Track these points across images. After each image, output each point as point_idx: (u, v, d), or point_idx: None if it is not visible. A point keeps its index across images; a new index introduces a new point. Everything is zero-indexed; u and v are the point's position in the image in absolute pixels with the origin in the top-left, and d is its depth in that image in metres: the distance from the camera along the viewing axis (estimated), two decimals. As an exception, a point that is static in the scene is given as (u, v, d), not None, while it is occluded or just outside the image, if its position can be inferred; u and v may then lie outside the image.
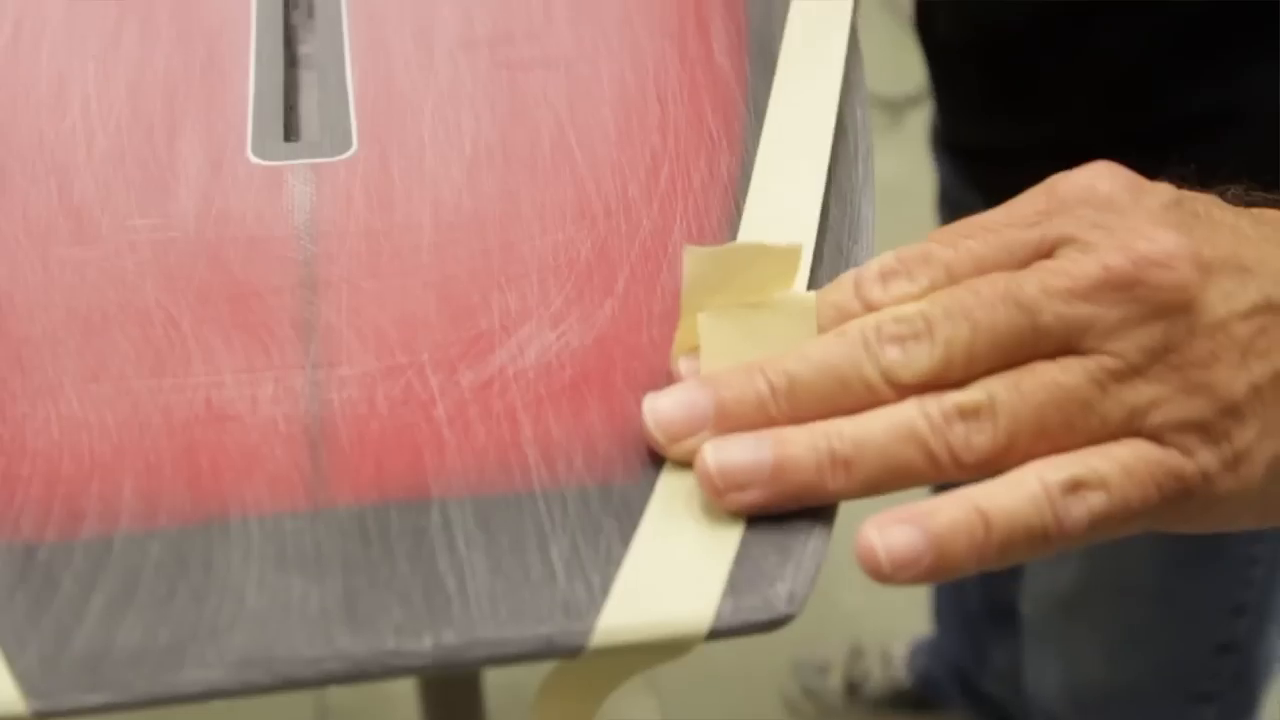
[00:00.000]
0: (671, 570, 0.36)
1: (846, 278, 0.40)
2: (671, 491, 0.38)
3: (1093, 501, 0.36)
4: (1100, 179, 0.39)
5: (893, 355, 0.37)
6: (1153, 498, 0.37)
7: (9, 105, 0.50)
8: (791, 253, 0.39)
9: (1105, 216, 0.38)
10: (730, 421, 0.37)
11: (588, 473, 0.38)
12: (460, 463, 0.38)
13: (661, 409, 0.38)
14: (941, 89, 0.85)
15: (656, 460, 0.39)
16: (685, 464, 0.38)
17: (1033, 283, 0.37)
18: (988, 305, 0.37)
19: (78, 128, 0.49)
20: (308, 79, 0.55)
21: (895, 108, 2.14)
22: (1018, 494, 0.36)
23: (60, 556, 0.36)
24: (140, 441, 0.39)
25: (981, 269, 0.38)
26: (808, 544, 0.37)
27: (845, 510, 0.39)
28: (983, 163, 0.67)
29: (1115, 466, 0.36)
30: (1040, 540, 0.36)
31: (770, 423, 0.37)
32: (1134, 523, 0.37)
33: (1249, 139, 0.41)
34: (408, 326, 0.42)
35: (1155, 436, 0.37)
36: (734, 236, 0.46)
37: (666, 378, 0.41)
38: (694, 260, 0.38)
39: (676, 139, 0.49)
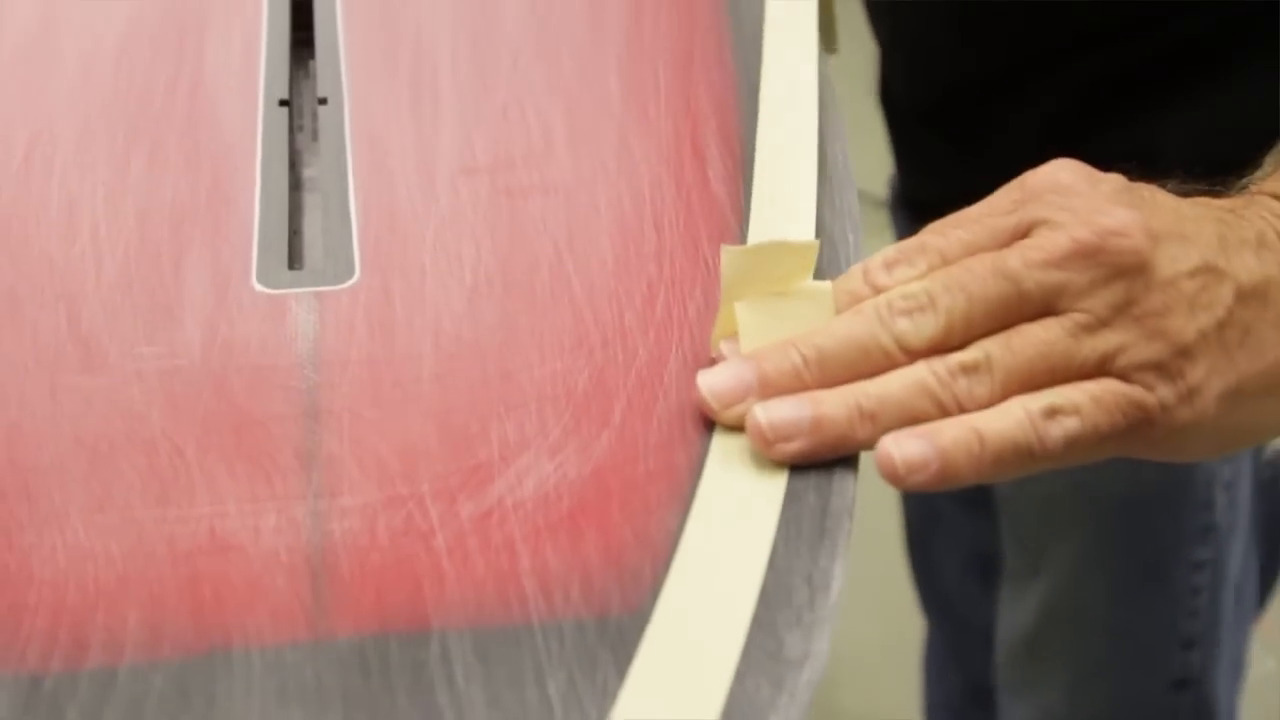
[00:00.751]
0: (666, 703, 0.37)
1: (855, 269, 0.47)
2: (668, 617, 0.39)
3: (1068, 425, 0.44)
4: (1062, 171, 0.47)
5: (903, 326, 0.44)
6: (1119, 424, 0.44)
7: (20, 229, 0.52)
8: (809, 247, 0.46)
9: (1069, 200, 0.45)
10: (771, 389, 0.44)
11: (584, 605, 0.39)
12: (460, 594, 0.39)
13: (714, 382, 0.44)
14: (900, 151, 0.92)
15: (653, 590, 0.40)
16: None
17: (1015, 258, 0.45)
18: (979, 279, 0.44)
19: (87, 253, 0.50)
20: (311, 202, 0.57)
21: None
22: (1007, 419, 0.43)
23: (65, 688, 0.36)
24: (145, 572, 0.39)
25: (970, 251, 0.46)
26: (800, 675, 0.38)
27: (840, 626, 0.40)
28: (939, 216, 0.73)
29: (1086, 398, 0.44)
30: (1026, 456, 0.43)
31: (804, 388, 0.44)
32: (1105, 445, 0.45)
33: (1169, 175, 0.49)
34: (409, 456, 0.43)
35: (1122, 375, 0.44)
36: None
37: (664, 505, 0.42)
38: (729, 258, 0.45)
39: (672, 267, 0.50)
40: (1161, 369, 0.45)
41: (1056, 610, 0.98)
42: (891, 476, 0.43)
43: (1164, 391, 0.45)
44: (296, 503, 0.41)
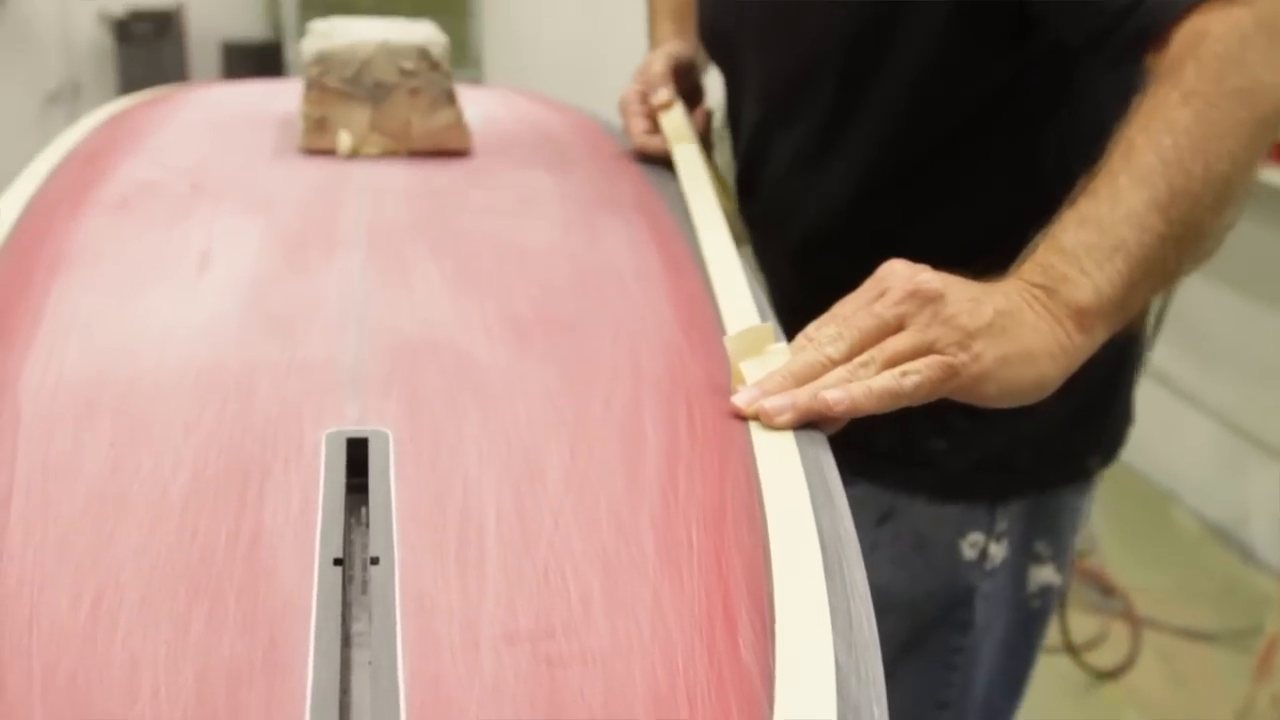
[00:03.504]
0: None
1: (800, 338, 0.84)
2: None
3: (915, 378, 0.80)
4: (895, 264, 0.84)
5: (829, 350, 0.82)
6: (940, 375, 0.80)
7: (84, 687, 0.54)
8: (769, 327, 0.84)
9: (899, 274, 0.83)
10: (770, 393, 0.79)
11: None
12: None
13: (739, 398, 0.79)
14: (774, 296, 1.24)
15: None
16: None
17: (878, 306, 0.82)
18: (862, 320, 0.82)
19: (146, 715, 0.52)
20: (360, 658, 0.59)
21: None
22: (884, 378, 0.80)
23: None
24: None
25: (856, 309, 0.83)
26: None
27: None
28: None
29: (922, 363, 0.80)
30: (895, 395, 0.80)
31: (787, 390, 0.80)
32: (937, 389, 0.81)
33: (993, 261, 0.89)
34: None
35: (940, 351, 0.81)
36: None
37: None
38: (730, 340, 0.82)
39: (704, 739, 0.52)
40: (959, 345, 0.81)
41: None
42: (825, 409, 0.78)
43: (962, 357, 0.81)
44: None
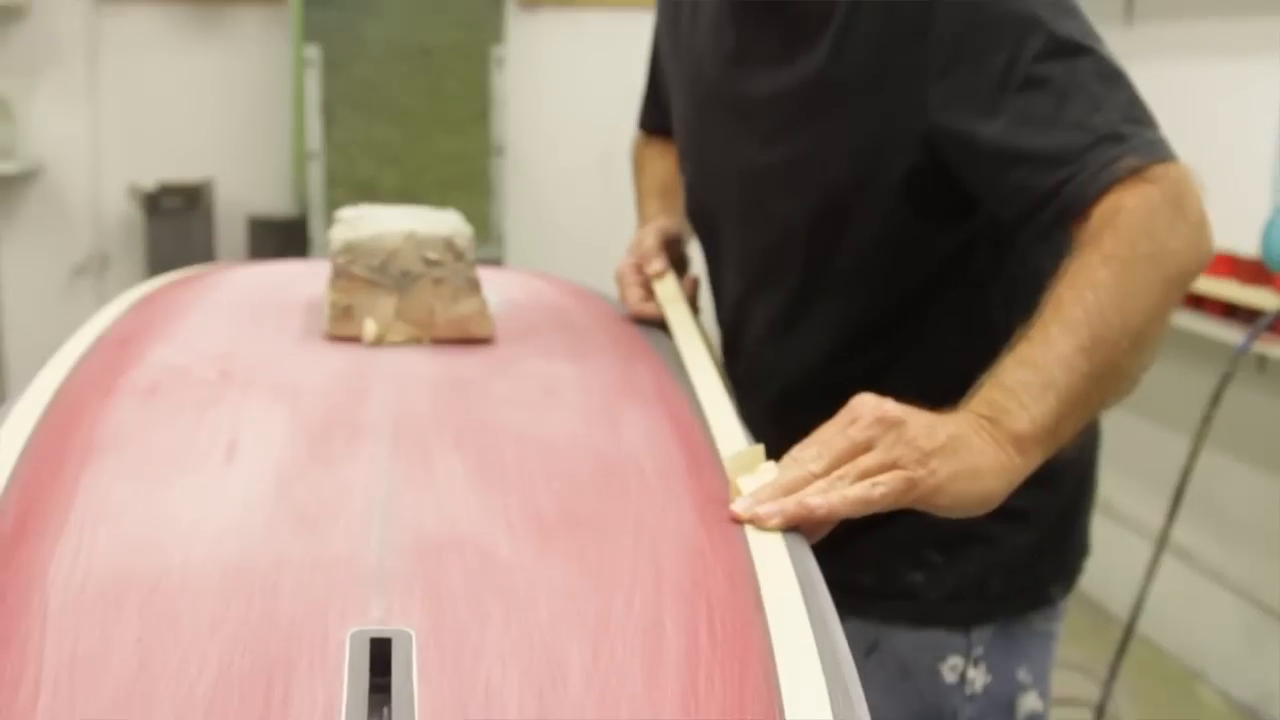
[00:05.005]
0: None
1: (786, 458, 0.97)
2: None
3: (881, 488, 0.93)
4: (865, 396, 0.98)
5: (811, 466, 0.94)
6: (902, 486, 0.94)
7: None
8: (759, 449, 0.98)
9: (869, 401, 0.97)
10: (762, 501, 0.92)
11: None
12: None
13: (738, 506, 0.92)
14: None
15: None
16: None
17: (853, 430, 0.96)
18: (837, 442, 0.95)
19: None
20: None
21: None
22: (857, 488, 0.93)
23: None
24: None
25: (832, 433, 0.97)
26: None
27: None
28: None
29: (888, 477, 0.94)
30: (866, 503, 0.93)
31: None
32: (902, 499, 0.94)
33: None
34: None
35: (902, 467, 0.94)
36: None
37: None
38: (729, 459, 0.96)
39: None
40: (918, 462, 0.95)
41: None
42: (809, 513, 0.91)
43: (920, 472, 0.95)
44: None
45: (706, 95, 1.39)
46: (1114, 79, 1.13)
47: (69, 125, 4.32)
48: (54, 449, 0.97)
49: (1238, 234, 3.04)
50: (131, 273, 4.32)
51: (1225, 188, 3.23)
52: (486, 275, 1.33)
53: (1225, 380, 2.76)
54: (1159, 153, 1.09)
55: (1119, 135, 1.09)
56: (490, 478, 0.93)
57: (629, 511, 0.90)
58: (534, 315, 1.42)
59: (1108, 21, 3.64)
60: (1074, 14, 1.15)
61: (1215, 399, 2.76)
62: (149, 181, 4.19)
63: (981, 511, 0.98)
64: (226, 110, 4.36)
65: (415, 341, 1.26)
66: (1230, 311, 3.00)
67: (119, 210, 4.36)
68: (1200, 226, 1.08)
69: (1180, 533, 3.02)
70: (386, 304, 1.26)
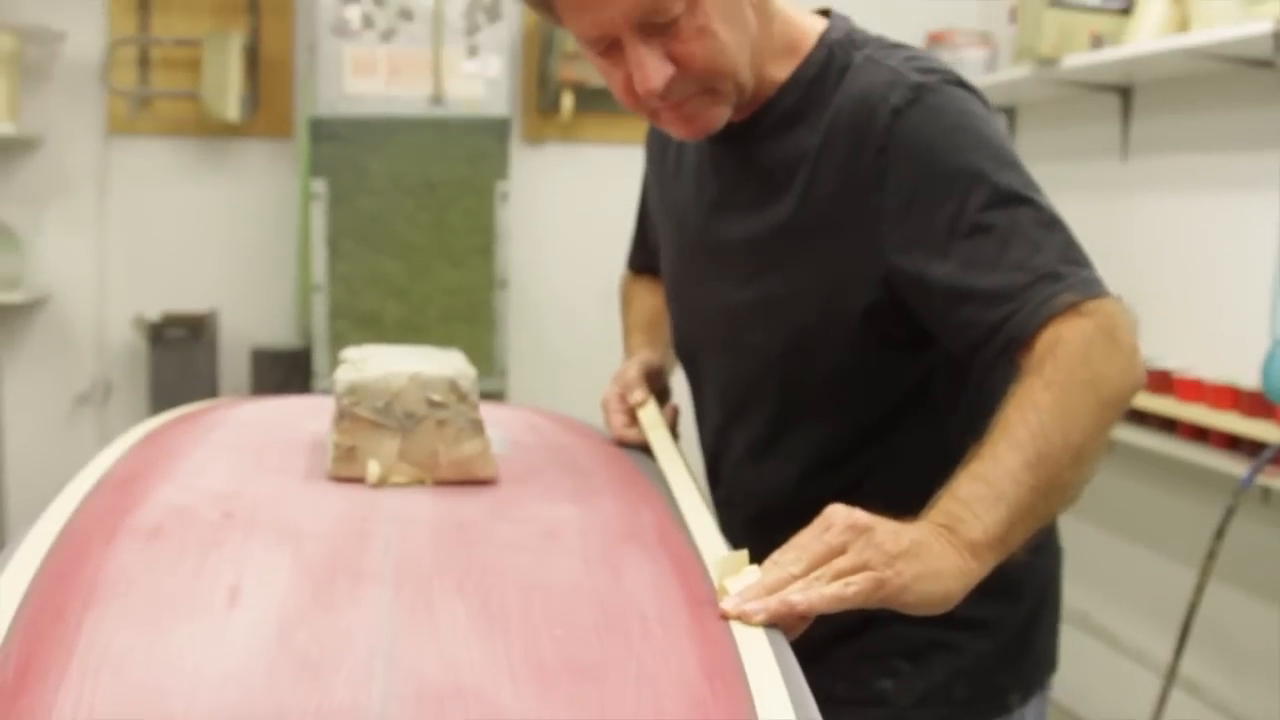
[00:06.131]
0: None
1: (768, 562, 1.05)
2: None
3: (853, 588, 1.02)
4: (837, 507, 1.07)
5: (792, 568, 1.03)
6: (872, 586, 1.02)
7: None
8: (744, 554, 1.07)
9: (841, 511, 1.06)
10: (750, 600, 1.01)
11: None
12: None
13: (726, 604, 1.01)
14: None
15: None
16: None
17: (828, 536, 1.05)
18: (814, 546, 1.04)
19: None
20: None
21: None
22: (832, 587, 1.02)
23: None
24: None
25: (810, 538, 1.06)
26: None
27: None
28: None
29: (859, 577, 1.02)
30: (840, 600, 1.01)
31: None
32: (872, 596, 1.02)
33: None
34: None
35: (872, 569, 1.03)
36: None
37: None
38: (716, 563, 1.06)
39: None
40: (885, 564, 1.04)
41: None
42: (790, 609, 1.00)
43: (887, 573, 1.03)
44: None
45: (689, 239, 1.53)
46: (1051, 225, 1.26)
47: (76, 255, 4.36)
48: (57, 593, 0.97)
49: (1239, 366, 3.07)
50: (134, 402, 4.33)
51: (1224, 320, 3.27)
52: (489, 412, 1.34)
53: (1230, 514, 2.76)
54: (1093, 289, 1.21)
55: (1056, 274, 1.21)
56: (493, 624, 0.93)
57: (631, 659, 0.90)
58: (537, 455, 1.42)
59: (1106, 156, 3.71)
60: (1015, 167, 1.28)
61: (1219, 533, 2.76)
62: (154, 311, 4.22)
63: (943, 610, 1.07)
64: (232, 242, 4.41)
65: (418, 483, 1.27)
66: (1233, 444, 3.00)
67: (123, 340, 4.38)
68: (1132, 354, 1.19)
69: (1188, 665, 3.00)
70: (390, 445, 1.27)
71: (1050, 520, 1.18)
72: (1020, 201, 1.25)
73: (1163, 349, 3.33)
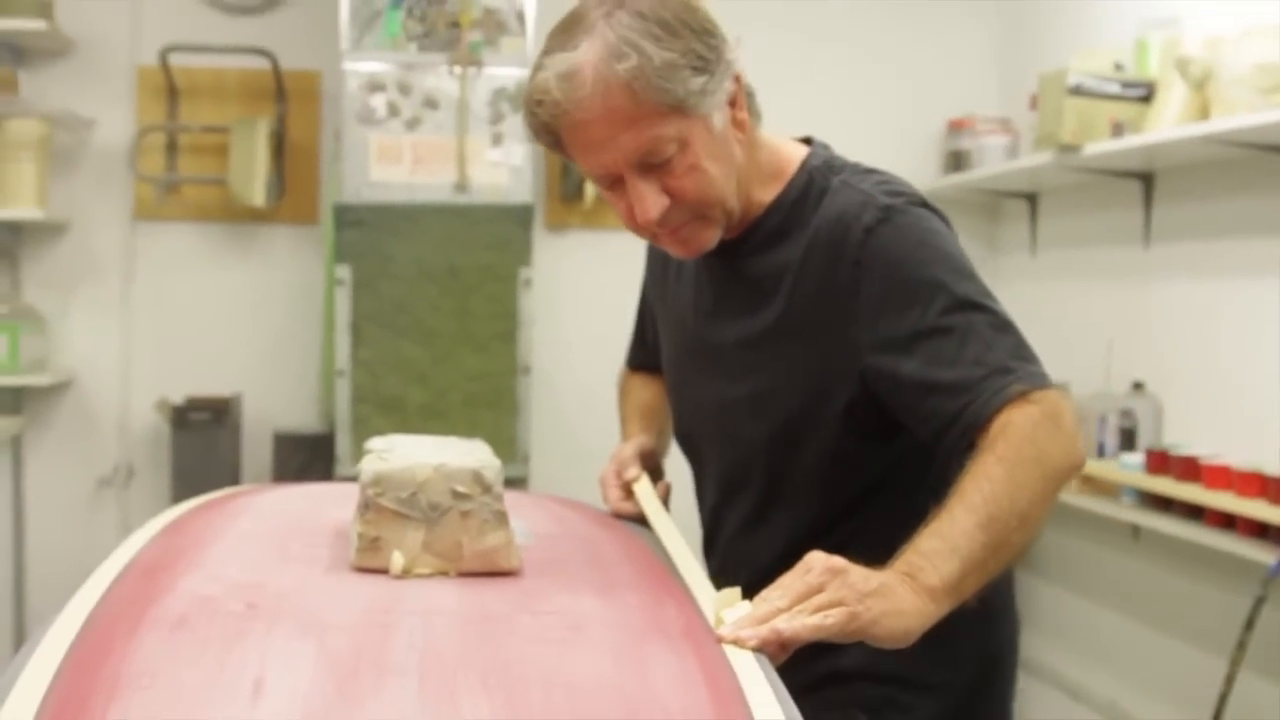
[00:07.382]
0: None
1: (758, 599, 1.20)
2: None
3: (830, 620, 1.17)
4: (816, 554, 1.23)
5: (777, 603, 1.19)
6: (846, 618, 1.18)
7: None
8: (737, 590, 1.23)
9: (819, 556, 1.23)
10: (744, 629, 1.16)
11: None
12: None
13: (722, 631, 1.16)
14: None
15: None
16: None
17: (809, 576, 1.21)
18: (797, 585, 1.21)
19: None
20: None
21: None
22: (813, 618, 1.18)
23: None
24: None
25: (794, 579, 1.22)
26: None
27: None
28: None
29: (835, 611, 1.18)
30: (819, 630, 1.17)
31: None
32: (847, 628, 1.18)
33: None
34: None
35: (845, 604, 1.19)
36: None
37: None
38: (715, 598, 1.23)
39: None
40: (858, 600, 1.18)
41: None
42: (777, 635, 1.15)
43: (859, 608, 1.18)
44: None
45: (688, 341, 1.73)
46: (1004, 328, 1.45)
47: (101, 338, 4.40)
48: (81, 685, 0.97)
49: (1263, 453, 3.04)
50: (156, 485, 4.34)
51: (1247, 405, 3.26)
52: (514, 502, 1.34)
53: (1259, 604, 2.73)
54: (1040, 381, 1.41)
55: (1007, 369, 1.41)
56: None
57: (657, 758, 0.89)
58: (561, 547, 1.42)
59: (1128, 242, 3.71)
60: (971, 277, 1.48)
61: (1250, 623, 2.73)
62: (177, 395, 4.24)
63: (905, 643, 1.23)
64: (256, 326, 4.44)
65: (442, 574, 1.27)
66: (1262, 531, 2.98)
67: (146, 423, 4.40)
68: (1073, 437, 1.39)
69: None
70: (414, 536, 1.26)
71: (999, 574, 1.33)
72: (975, 308, 1.45)
73: (1186, 435, 3.32)
